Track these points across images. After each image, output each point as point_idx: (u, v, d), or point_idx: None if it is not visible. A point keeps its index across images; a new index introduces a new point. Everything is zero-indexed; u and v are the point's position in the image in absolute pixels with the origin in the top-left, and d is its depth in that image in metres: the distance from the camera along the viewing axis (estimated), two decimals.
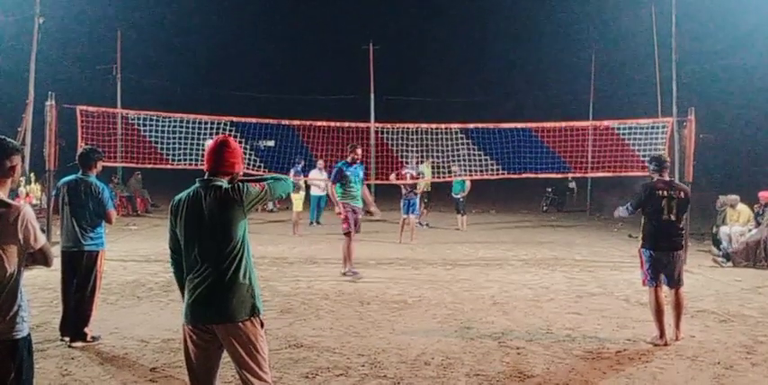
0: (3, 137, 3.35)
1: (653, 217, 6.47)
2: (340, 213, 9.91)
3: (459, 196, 16.86)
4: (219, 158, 3.63)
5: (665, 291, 6.55)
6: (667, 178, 6.67)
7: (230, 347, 3.50)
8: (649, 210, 6.49)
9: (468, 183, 16.49)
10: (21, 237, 3.14)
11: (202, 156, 13.81)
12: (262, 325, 3.58)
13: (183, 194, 3.62)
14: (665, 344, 6.28)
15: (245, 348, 3.49)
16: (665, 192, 6.45)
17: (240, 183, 3.58)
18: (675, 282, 6.50)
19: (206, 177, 3.62)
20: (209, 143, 14.79)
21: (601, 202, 21.56)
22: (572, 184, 25.54)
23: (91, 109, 12.75)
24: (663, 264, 6.47)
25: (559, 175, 15.08)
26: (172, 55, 38.70)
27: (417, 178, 15.14)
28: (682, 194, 6.53)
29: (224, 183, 3.59)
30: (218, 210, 3.49)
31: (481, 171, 14.31)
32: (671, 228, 6.47)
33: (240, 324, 3.48)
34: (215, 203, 3.50)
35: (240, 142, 13.78)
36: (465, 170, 14.53)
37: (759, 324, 7.20)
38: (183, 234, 3.56)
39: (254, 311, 3.53)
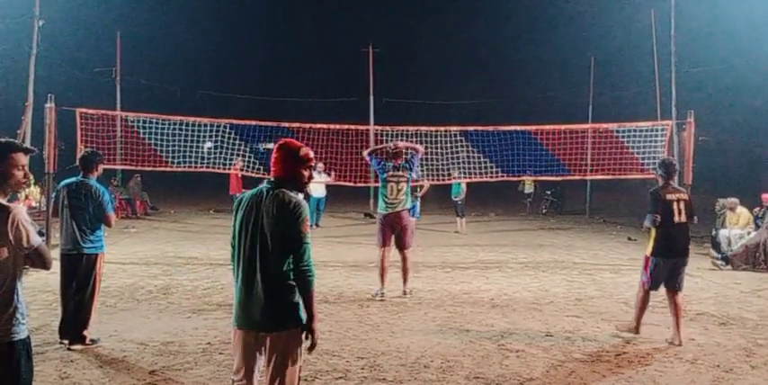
0: (2, 140, 3.35)
1: (666, 221, 6.51)
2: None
3: (457, 199, 16.86)
4: (272, 165, 3.61)
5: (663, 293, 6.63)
6: (672, 183, 6.75)
7: (268, 355, 3.45)
8: (663, 216, 6.53)
9: (463, 186, 16.51)
10: (11, 238, 3.12)
11: (202, 158, 13.95)
12: (308, 335, 3.47)
13: (249, 192, 3.62)
14: (637, 333, 6.57)
15: (278, 359, 3.43)
16: (674, 196, 6.57)
17: (302, 207, 3.45)
18: (676, 287, 6.57)
19: (269, 181, 3.61)
20: (208, 145, 14.70)
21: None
22: (528, 190, 23.68)
23: (90, 111, 12.76)
24: (668, 270, 6.55)
25: (558, 178, 15.10)
26: (171, 57, 38.75)
27: (418, 181, 15.14)
28: (685, 196, 6.69)
29: (287, 188, 3.53)
30: (274, 215, 3.42)
31: (480, 173, 14.34)
32: (682, 231, 6.58)
33: (283, 333, 3.42)
34: (273, 209, 3.43)
35: (239, 145, 13.81)
36: (464, 172, 14.54)
37: (758, 327, 7.20)
38: (237, 233, 3.55)
39: (299, 322, 3.46)
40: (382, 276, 8.58)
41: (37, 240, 3.23)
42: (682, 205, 6.53)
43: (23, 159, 3.29)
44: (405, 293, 8.61)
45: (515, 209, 24.15)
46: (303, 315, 3.47)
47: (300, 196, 3.68)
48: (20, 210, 3.21)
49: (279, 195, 3.48)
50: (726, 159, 29.32)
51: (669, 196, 6.54)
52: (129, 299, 8.22)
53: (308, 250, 3.45)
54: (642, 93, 23.44)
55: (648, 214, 6.63)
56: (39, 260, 3.28)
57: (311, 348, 3.49)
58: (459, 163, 14.36)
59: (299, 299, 3.46)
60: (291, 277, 3.45)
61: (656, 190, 6.68)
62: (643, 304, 6.63)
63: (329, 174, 16.26)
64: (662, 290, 6.70)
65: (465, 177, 14.80)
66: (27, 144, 15.16)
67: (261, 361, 3.52)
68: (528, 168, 14.40)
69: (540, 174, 14.41)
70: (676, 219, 6.50)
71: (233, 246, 3.61)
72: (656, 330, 6.80)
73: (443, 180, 14.91)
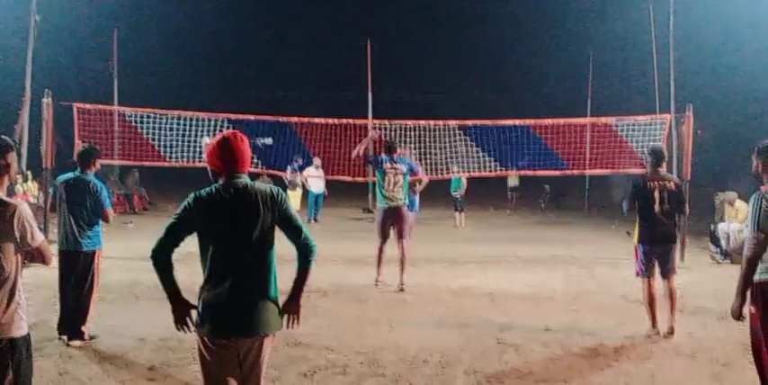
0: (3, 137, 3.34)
1: (646, 209, 6.54)
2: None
3: (457, 194, 16.83)
4: (238, 156, 3.37)
5: (658, 283, 6.64)
6: (660, 171, 6.71)
7: (245, 361, 3.33)
8: (642, 204, 6.56)
9: (464, 181, 16.49)
10: (17, 234, 3.13)
11: (200, 153, 13.89)
12: (293, 308, 3.48)
13: (208, 190, 3.35)
14: (658, 333, 6.43)
15: (256, 364, 3.34)
16: (656, 184, 6.54)
17: (281, 191, 3.42)
18: (668, 272, 6.63)
19: (230, 175, 3.37)
20: (206, 140, 14.73)
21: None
22: (512, 183, 22.21)
23: (88, 106, 12.73)
24: (657, 256, 6.59)
25: (557, 172, 15.08)
26: (169, 52, 38.55)
27: (417, 176, 15.12)
28: (672, 185, 6.64)
29: (253, 182, 3.42)
30: (261, 209, 3.30)
31: (479, 168, 14.33)
32: (664, 219, 6.57)
33: (266, 338, 3.34)
34: (255, 203, 3.30)
35: None
36: (463, 167, 14.53)
37: None
38: (215, 235, 3.30)
39: (278, 326, 3.40)
40: (379, 265, 8.89)
41: (40, 237, 3.24)
42: (665, 194, 6.51)
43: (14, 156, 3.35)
44: (401, 289, 8.61)
45: (517, 202, 24.01)
46: (281, 319, 3.43)
47: (299, 191, 3.67)
48: (24, 206, 3.21)
49: (252, 189, 3.34)
50: (724, 153, 29.29)
51: (651, 184, 6.53)
52: (128, 295, 8.21)
53: (305, 226, 3.47)
54: (641, 87, 23.39)
55: (624, 200, 6.72)
56: (40, 256, 3.29)
57: (297, 321, 3.46)
58: (457, 157, 14.35)
59: (278, 301, 3.40)
60: (274, 278, 3.39)
61: (638, 178, 6.70)
62: (650, 298, 6.56)
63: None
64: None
65: (464, 172, 14.79)
66: (24, 139, 15.11)
67: (234, 371, 3.34)
68: (512, 162, 14.39)
69: (538, 169, 14.38)
70: (656, 208, 6.49)
71: (166, 249, 3.29)
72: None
73: (442, 175, 14.90)
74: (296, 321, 3.47)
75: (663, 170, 6.75)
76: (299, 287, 3.46)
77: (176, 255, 3.37)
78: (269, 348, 3.42)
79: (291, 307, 3.45)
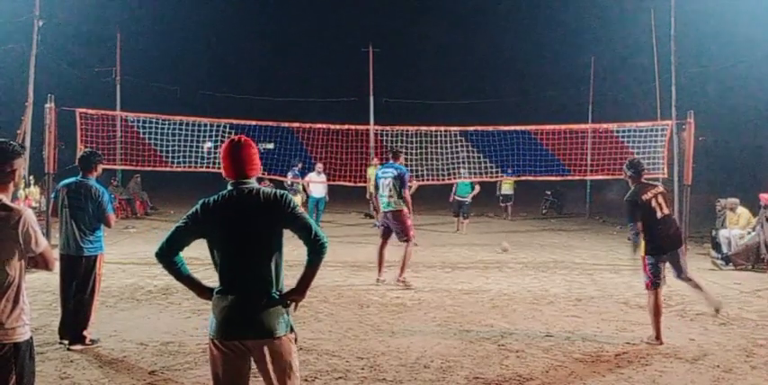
0: (5, 140, 3.35)
1: (650, 220, 6.53)
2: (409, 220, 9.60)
3: (465, 199, 16.81)
4: (246, 161, 3.43)
5: (672, 286, 6.69)
6: (643, 181, 6.77)
7: (263, 364, 3.30)
8: (644, 216, 6.54)
9: (477, 187, 16.54)
10: (21, 240, 3.14)
11: (202, 158, 13.93)
12: (295, 340, 3.42)
13: (215, 197, 3.40)
14: (661, 344, 6.41)
15: (279, 366, 3.31)
16: (650, 194, 6.57)
17: (287, 194, 3.42)
18: (682, 272, 6.67)
19: (237, 181, 3.41)
20: (208, 145, 14.72)
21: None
22: (506, 191, 21.04)
23: (90, 111, 12.77)
24: (666, 261, 6.58)
25: (558, 178, 15.11)
26: (171, 57, 38.74)
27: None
28: (661, 188, 6.76)
29: (259, 186, 3.43)
30: (268, 213, 3.33)
31: (480, 173, 14.36)
32: (669, 224, 6.62)
33: (278, 340, 3.30)
34: (262, 207, 3.33)
35: None
36: (468, 172, 14.58)
37: (758, 327, 7.20)
38: (220, 240, 3.36)
39: (291, 328, 3.37)
40: (378, 265, 9.73)
41: (44, 243, 3.25)
42: (660, 199, 6.55)
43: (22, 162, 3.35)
44: (397, 281, 9.35)
45: (516, 209, 23.95)
46: (292, 321, 3.41)
47: (298, 197, 3.66)
48: (29, 212, 3.22)
49: (257, 193, 3.37)
50: (726, 159, 29.30)
51: (645, 196, 6.54)
52: (129, 300, 8.22)
53: (314, 223, 3.46)
54: (642, 93, 23.41)
55: (629, 224, 6.65)
56: (43, 262, 3.30)
57: (295, 307, 3.44)
58: (459, 163, 14.39)
59: (287, 304, 3.39)
60: (282, 282, 3.40)
61: (631, 195, 6.64)
62: (657, 309, 6.49)
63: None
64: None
65: (468, 177, 14.84)
66: (27, 144, 15.17)
67: (249, 374, 3.36)
68: (507, 167, 14.45)
69: (539, 174, 14.40)
70: (659, 214, 6.50)
71: (173, 250, 3.37)
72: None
73: (442, 180, 14.91)
74: (295, 306, 3.46)
75: (643, 179, 6.81)
76: (307, 282, 3.42)
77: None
78: (294, 349, 3.38)
79: (294, 295, 3.41)
